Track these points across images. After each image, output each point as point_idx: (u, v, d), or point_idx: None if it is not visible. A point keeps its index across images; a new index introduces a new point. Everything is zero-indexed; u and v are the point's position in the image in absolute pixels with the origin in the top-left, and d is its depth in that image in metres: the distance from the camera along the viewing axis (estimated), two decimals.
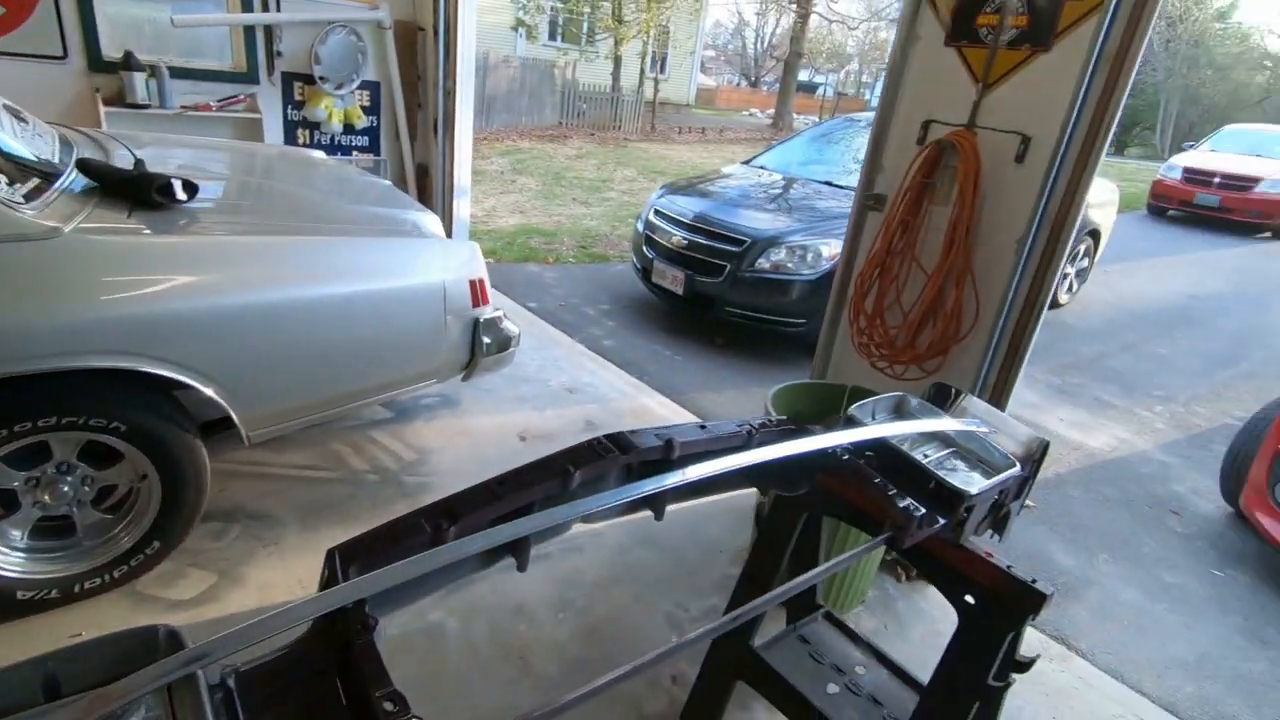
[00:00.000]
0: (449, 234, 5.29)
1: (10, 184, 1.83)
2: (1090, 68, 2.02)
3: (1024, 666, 1.46)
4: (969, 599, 1.44)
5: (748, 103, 33.61)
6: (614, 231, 7.74)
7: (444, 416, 3.34)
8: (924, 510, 1.25)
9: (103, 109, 3.91)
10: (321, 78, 4.70)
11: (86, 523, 2.08)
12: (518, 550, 1.12)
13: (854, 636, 1.91)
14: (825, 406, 2.36)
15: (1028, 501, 3.42)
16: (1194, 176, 11.73)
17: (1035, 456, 1.58)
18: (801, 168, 5.76)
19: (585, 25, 21.99)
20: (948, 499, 1.33)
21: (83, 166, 2.12)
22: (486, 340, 2.69)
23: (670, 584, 2.50)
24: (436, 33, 4.91)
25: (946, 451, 1.56)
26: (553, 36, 22.68)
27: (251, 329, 2.11)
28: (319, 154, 3.78)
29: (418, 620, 2.19)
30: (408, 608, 1.05)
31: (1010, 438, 1.59)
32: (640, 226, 5.23)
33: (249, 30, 4.50)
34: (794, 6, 23.68)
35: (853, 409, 1.55)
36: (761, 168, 5.92)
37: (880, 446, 1.42)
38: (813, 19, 23.77)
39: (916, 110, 2.44)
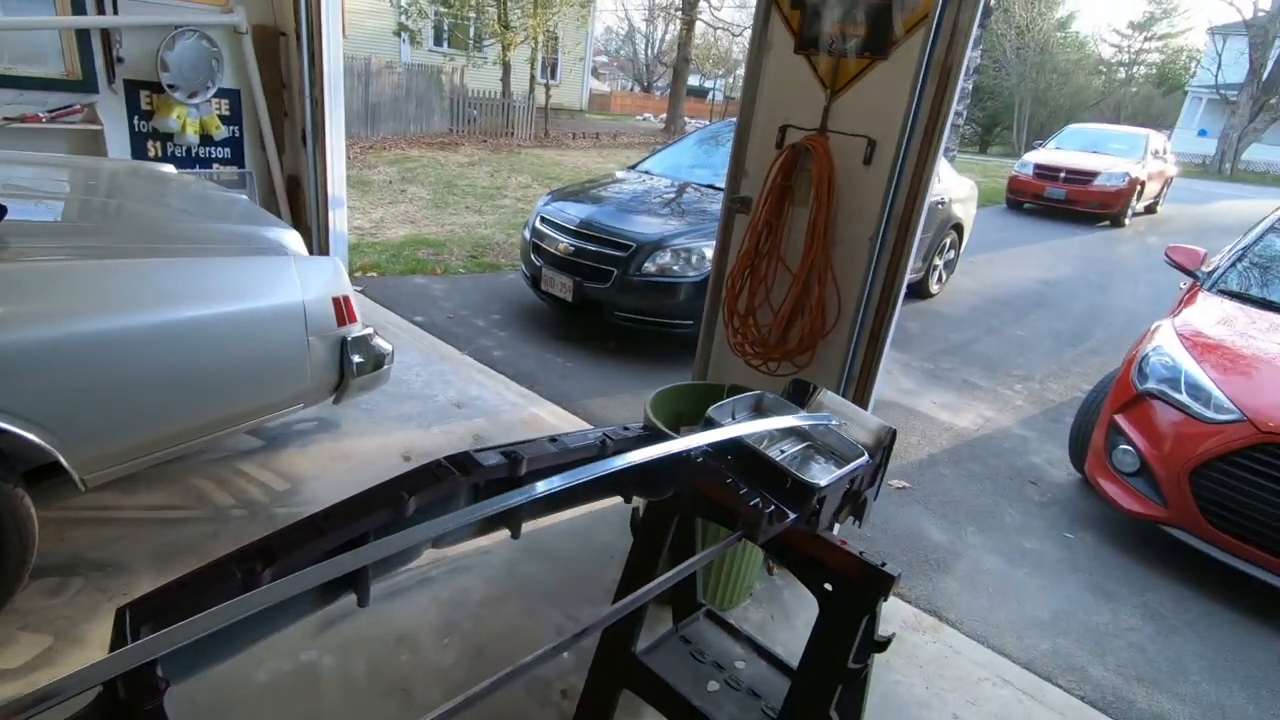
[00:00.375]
0: (325, 248, 5.06)
1: None
2: (922, 74, 2.15)
3: (881, 646, 1.53)
4: (827, 586, 1.50)
5: (641, 108, 34.05)
6: (508, 239, 7.63)
7: (321, 441, 3.18)
8: (773, 506, 1.28)
9: None
10: (171, 85, 4.37)
11: None
12: (357, 585, 1.06)
13: (734, 632, 1.95)
14: (706, 407, 2.40)
15: (903, 483, 3.62)
16: (1043, 172, 12.84)
17: (885, 444, 1.66)
18: (687, 171, 5.87)
19: (472, 31, 21.60)
20: (800, 493, 1.37)
21: None
22: (356, 359, 2.57)
23: (561, 595, 2.47)
24: (299, 38, 4.68)
25: (803, 446, 1.62)
26: (438, 42, 22.15)
27: (76, 363, 1.92)
28: (169, 168, 3.51)
29: (289, 661, 2.06)
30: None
31: (861, 428, 1.67)
32: (527, 234, 5.18)
33: (83, 34, 4.12)
34: (679, 14, 24.19)
35: (711, 410, 1.58)
36: (647, 172, 5.99)
37: (736, 446, 1.46)
38: (698, 26, 24.35)
39: (774, 115, 2.53)
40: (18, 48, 4.02)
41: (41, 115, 3.97)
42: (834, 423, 1.61)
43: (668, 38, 37.87)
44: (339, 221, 5.12)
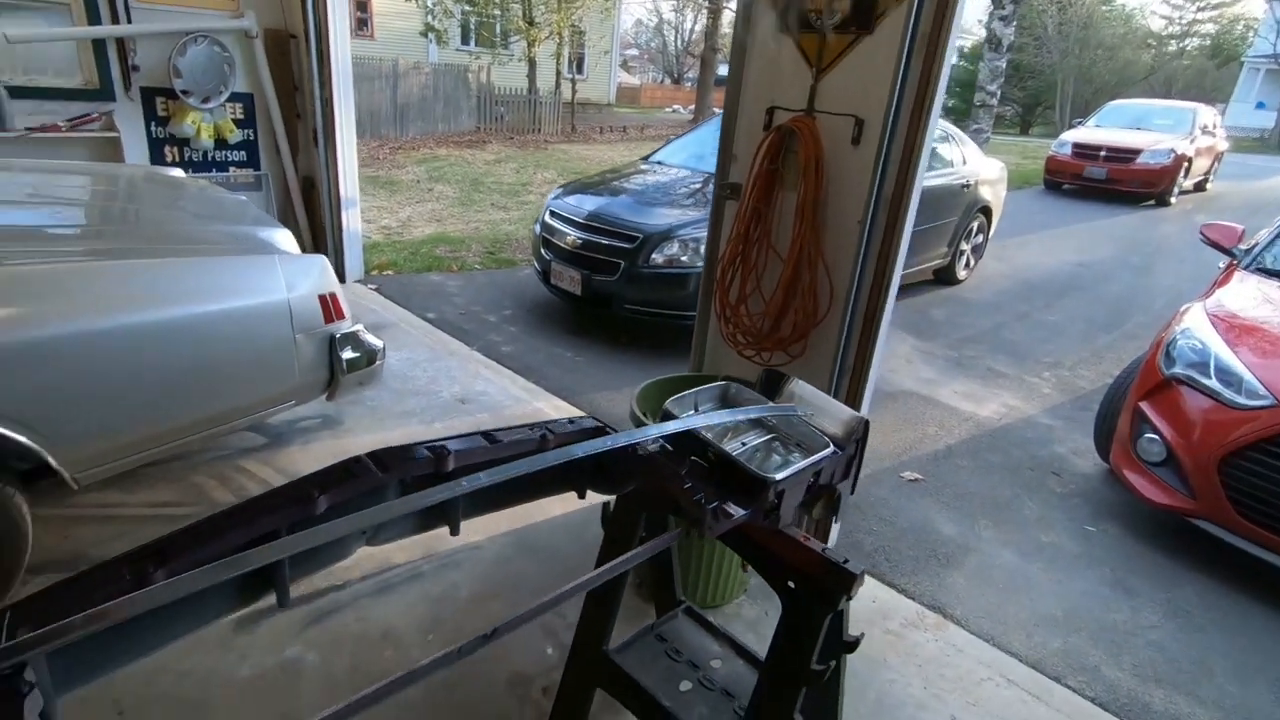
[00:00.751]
0: (339, 247, 5.13)
1: None
2: (907, 48, 2.05)
3: (850, 646, 1.46)
4: (790, 584, 1.43)
5: (671, 99, 33.83)
6: (528, 235, 7.64)
7: (323, 438, 3.21)
8: (716, 501, 1.23)
9: None
10: (184, 91, 4.47)
11: None
12: (275, 582, 1.05)
13: (713, 630, 1.90)
14: None
15: (915, 475, 3.51)
16: (1082, 151, 12.35)
17: (857, 435, 1.59)
18: (699, 161, 5.78)
19: (498, 28, 21.71)
20: (754, 486, 1.32)
21: None
22: (347, 355, 2.58)
23: (549, 592, 2.44)
24: (308, 40, 4.73)
25: (767, 438, 1.56)
26: (465, 41, 22.33)
27: (61, 364, 1.96)
28: (178, 172, 3.58)
29: (273, 656, 2.08)
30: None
31: (831, 419, 1.60)
32: (537, 229, 5.16)
33: (99, 44, 4.24)
34: (707, 4, 23.93)
35: (668, 402, 1.53)
36: (660, 163, 5.92)
37: (689, 438, 1.40)
38: (725, 15, 24.07)
39: (760, 97, 2.45)
40: (37, 59, 4.15)
41: (61, 124, 4.09)
42: (799, 413, 1.54)
43: (697, 29, 37.53)
44: (353, 220, 5.19)
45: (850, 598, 1.40)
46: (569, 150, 15.57)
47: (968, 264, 7.07)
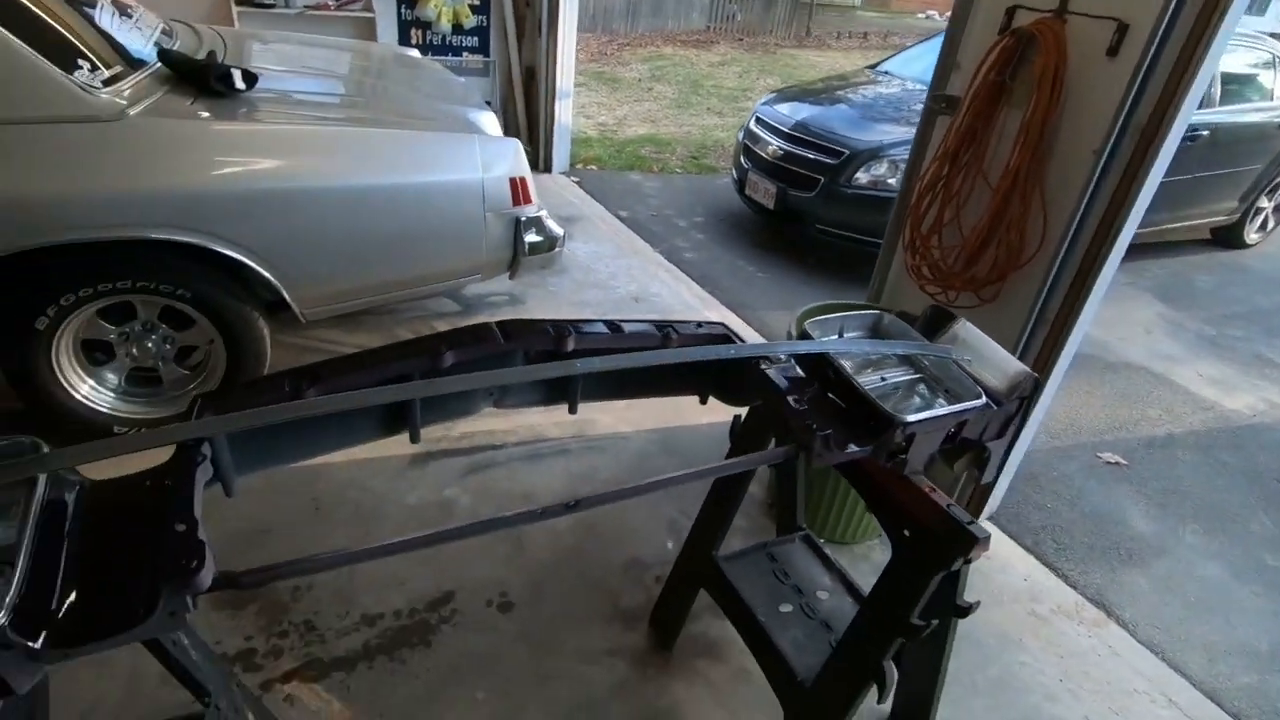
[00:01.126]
0: (549, 138, 5.35)
1: (95, 70, 2.07)
2: None
3: (962, 611, 1.36)
4: (905, 533, 1.35)
5: (928, 3, 30.17)
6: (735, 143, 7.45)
7: (505, 313, 3.48)
8: (830, 430, 1.16)
9: (235, 9, 4.24)
10: None
11: (170, 377, 2.42)
12: (408, 422, 1.18)
13: (828, 563, 1.86)
14: None
15: (1117, 458, 3.08)
16: None
17: (1022, 392, 1.40)
18: (929, 73, 5.15)
19: None
20: (879, 423, 1.23)
21: (163, 56, 2.34)
22: (529, 238, 2.74)
23: (681, 492, 2.51)
24: None
25: (913, 377, 1.43)
26: None
27: (299, 213, 2.29)
28: (415, 53, 3.89)
29: (435, 492, 2.38)
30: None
31: (996, 370, 1.42)
32: (740, 135, 4.99)
33: None
34: None
35: (808, 323, 1.45)
36: (887, 74, 5.38)
37: (822, 363, 1.33)
38: None
39: None
40: None
41: (330, 3, 4.60)
42: (953, 357, 1.39)
43: None
44: (564, 112, 5.36)
45: (969, 561, 1.29)
46: (798, 56, 14.65)
47: (1264, 225, 5.76)
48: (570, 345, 1.20)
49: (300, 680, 1.76)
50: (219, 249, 2.16)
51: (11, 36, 1.85)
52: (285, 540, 2.13)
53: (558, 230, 2.82)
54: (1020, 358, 2.04)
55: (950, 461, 1.49)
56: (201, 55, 2.54)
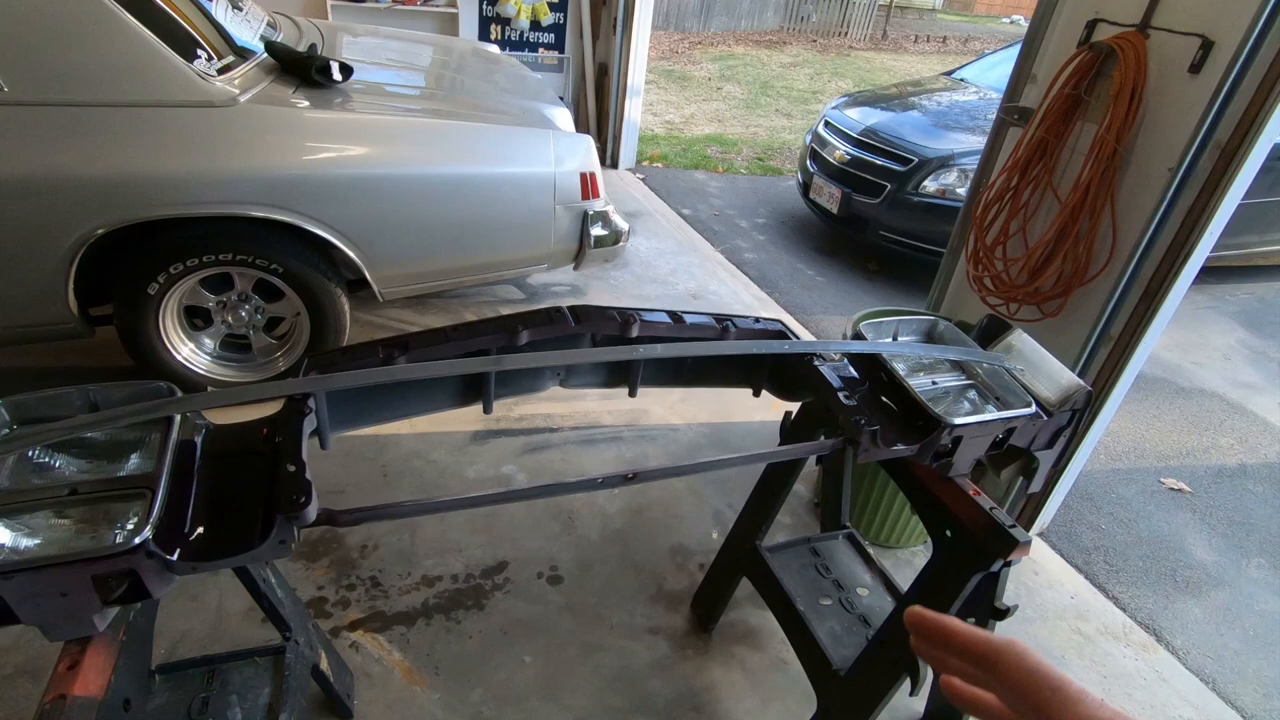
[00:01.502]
0: (618, 134, 5.45)
1: (210, 59, 2.26)
2: None
3: (999, 614, 1.39)
4: (947, 533, 1.38)
5: (1014, 8, 29.03)
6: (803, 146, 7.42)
7: (568, 303, 3.59)
8: (878, 426, 1.22)
9: (329, 2, 4.48)
10: None
11: (259, 345, 2.62)
12: (483, 393, 1.28)
13: (869, 561, 1.90)
14: None
15: (1180, 485, 3.01)
16: None
17: (1075, 404, 1.42)
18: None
19: None
20: (925, 424, 1.27)
21: (269, 48, 2.52)
22: (595, 232, 2.84)
23: (729, 486, 2.59)
24: None
25: (964, 383, 1.47)
26: None
27: (385, 199, 2.44)
28: (494, 48, 4.05)
29: (493, 469, 2.51)
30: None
31: (1049, 380, 1.44)
32: (808, 139, 4.99)
33: None
34: None
35: (863, 324, 1.49)
36: (963, 81, 5.29)
37: (874, 363, 1.38)
38: None
39: (1082, 7, 2.08)
40: None
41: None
42: (1005, 365, 1.42)
43: None
44: (634, 109, 5.45)
45: (1009, 564, 1.32)
46: (873, 59, 14.41)
47: None
48: (635, 331, 1.28)
49: (365, 630, 1.91)
50: (311, 228, 2.33)
51: (142, 27, 2.05)
52: (356, 501, 2.29)
53: (623, 225, 2.91)
54: (1081, 374, 2.04)
55: (998, 469, 1.51)
56: (303, 48, 2.73)
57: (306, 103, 2.35)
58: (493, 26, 5.17)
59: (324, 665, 1.58)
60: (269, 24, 2.84)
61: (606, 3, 5.27)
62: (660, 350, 1.23)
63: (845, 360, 1.43)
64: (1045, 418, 1.37)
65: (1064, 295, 2.19)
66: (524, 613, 2.02)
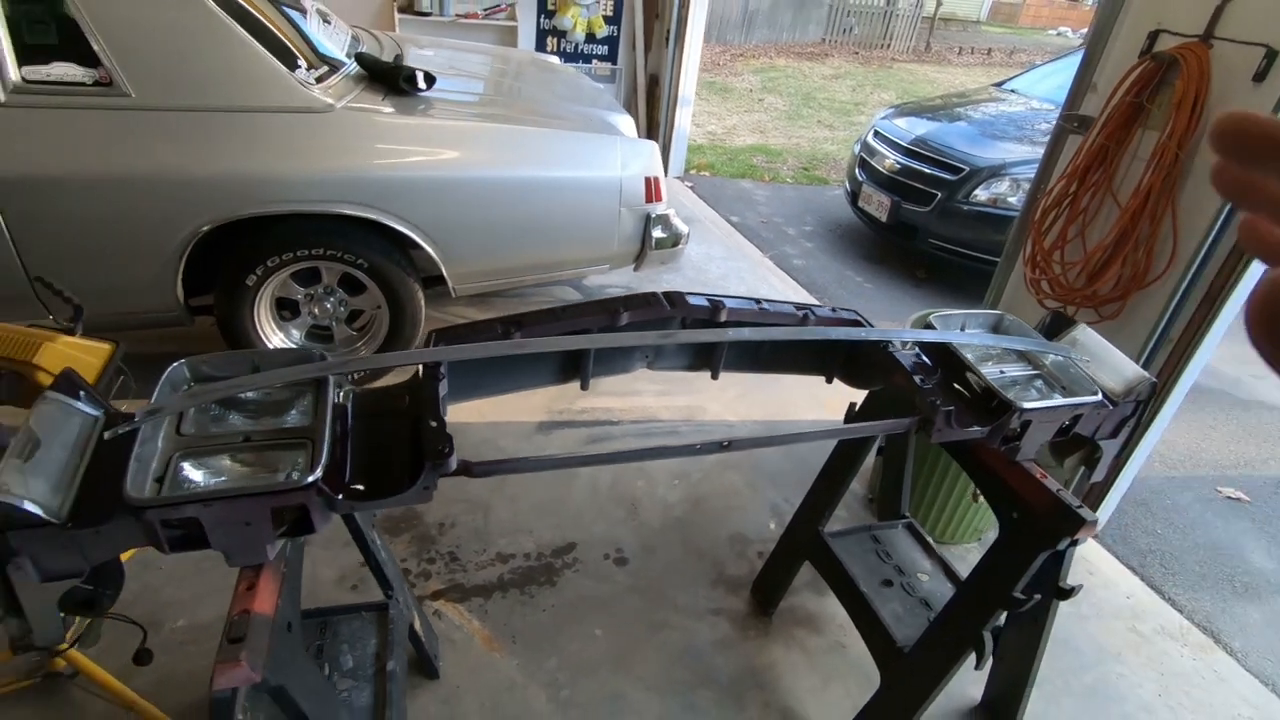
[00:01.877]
0: (668, 143, 5.59)
1: (308, 69, 2.44)
2: None
3: (1064, 593, 1.45)
4: (1014, 515, 1.45)
5: (1060, 19, 28.64)
6: (849, 156, 7.48)
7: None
8: (952, 406, 1.30)
9: (397, 16, 4.71)
10: None
11: (341, 336, 2.79)
12: (580, 370, 1.40)
13: (929, 549, 1.96)
14: None
15: (1239, 494, 3.00)
16: None
17: (1139, 396, 1.48)
18: (1062, 93, 5.06)
19: None
20: (995, 408, 1.35)
21: (359, 59, 2.70)
22: (657, 234, 2.95)
23: (785, 480, 2.67)
24: None
25: (1030, 373, 1.54)
26: None
27: (463, 199, 2.59)
28: (553, 58, 4.22)
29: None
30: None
31: (1112, 372, 1.51)
32: (857, 148, 5.06)
33: None
34: None
35: (934, 316, 1.57)
36: (1012, 91, 5.31)
37: (945, 353, 1.46)
38: None
39: (1144, 17, 2.14)
40: None
41: (480, 13, 5.01)
42: (1071, 356, 1.48)
43: None
44: (684, 119, 5.58)
45: (1075, 543, 1.39)
46: (916, 71, 14.37)
47: None
48: (723, 316, 1.38)
49: (446, 600, 2.03)
50: (396, 226, 2.49)
51: (253, 39, 2.23)
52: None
53: (683, 228, 3.02)
54: None
55: (1061, 458, 1.58)
56: (386, 59, 2.91)
57: (393, 109, 2.52)
58: (549, 39, 5.35)
59: (417, 626, 1.71)
60: (353, 37, 3.03)
61: (660, 16, 5.41)
62: (747, 334, 1.34)
63: (917, 349, 1.51)
64: (1110, 406, 1.44)
65: (1123, 298, 2.24)
66: (592, 590, 2.12)
